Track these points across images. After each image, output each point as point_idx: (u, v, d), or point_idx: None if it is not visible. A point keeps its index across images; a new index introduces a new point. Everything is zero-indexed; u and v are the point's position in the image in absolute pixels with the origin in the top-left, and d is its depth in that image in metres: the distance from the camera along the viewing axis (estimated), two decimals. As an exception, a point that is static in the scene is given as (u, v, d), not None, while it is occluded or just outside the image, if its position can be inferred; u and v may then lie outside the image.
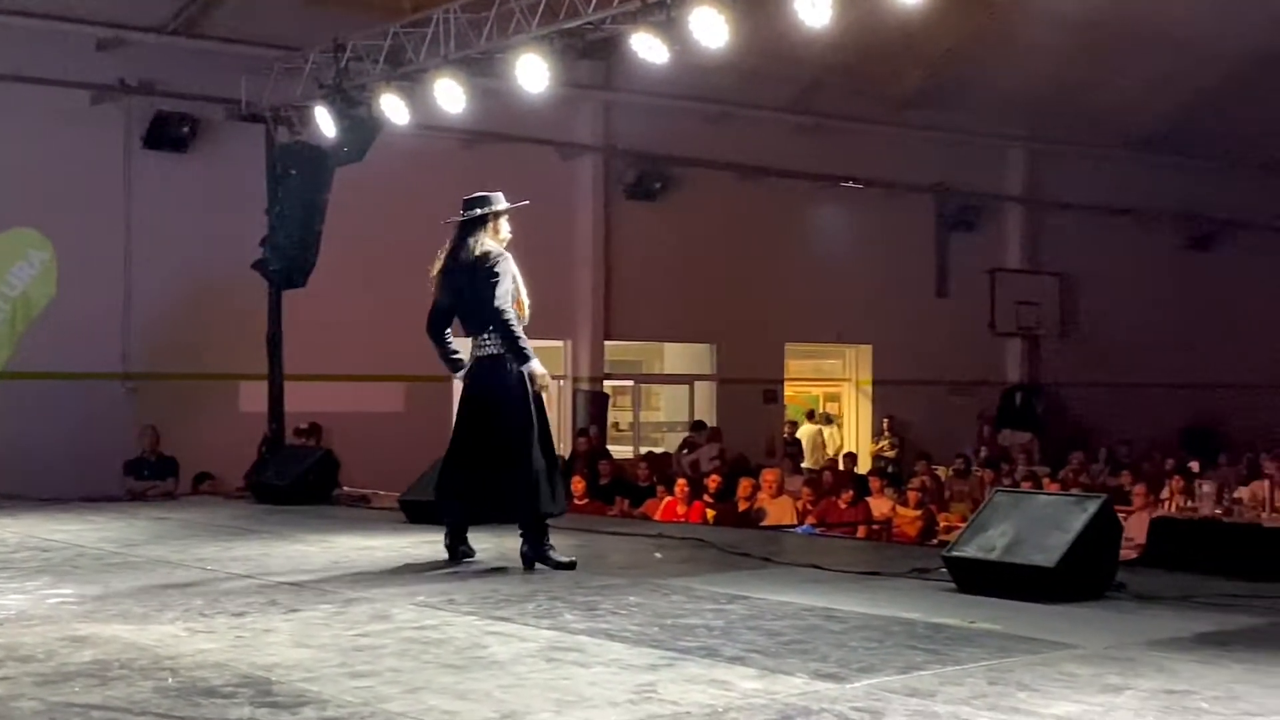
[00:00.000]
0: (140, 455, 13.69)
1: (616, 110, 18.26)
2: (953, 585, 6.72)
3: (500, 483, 7.43)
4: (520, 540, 7.50)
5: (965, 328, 21.05)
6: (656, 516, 13.03)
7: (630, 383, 19.69)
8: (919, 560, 7.62)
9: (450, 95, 11.90)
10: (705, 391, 19.63)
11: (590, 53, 14.66)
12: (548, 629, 5.75)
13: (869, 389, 21.14)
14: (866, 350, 21.04)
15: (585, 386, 18.26)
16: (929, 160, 20.67)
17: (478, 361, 7.58)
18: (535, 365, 7.49)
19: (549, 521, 7.57)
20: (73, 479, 12.64)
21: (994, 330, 21.61)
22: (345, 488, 12.28)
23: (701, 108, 18.30)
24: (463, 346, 7.83)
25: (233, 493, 12.98)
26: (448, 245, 7.72)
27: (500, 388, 7.46)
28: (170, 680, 4.74)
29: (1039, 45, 18.39)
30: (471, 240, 7.57)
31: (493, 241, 7.61)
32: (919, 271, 21.04)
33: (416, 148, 15.05)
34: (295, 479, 11.60)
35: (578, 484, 13.97)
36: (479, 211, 7.68)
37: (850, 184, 19.95)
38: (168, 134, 14.90)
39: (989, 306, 21.56)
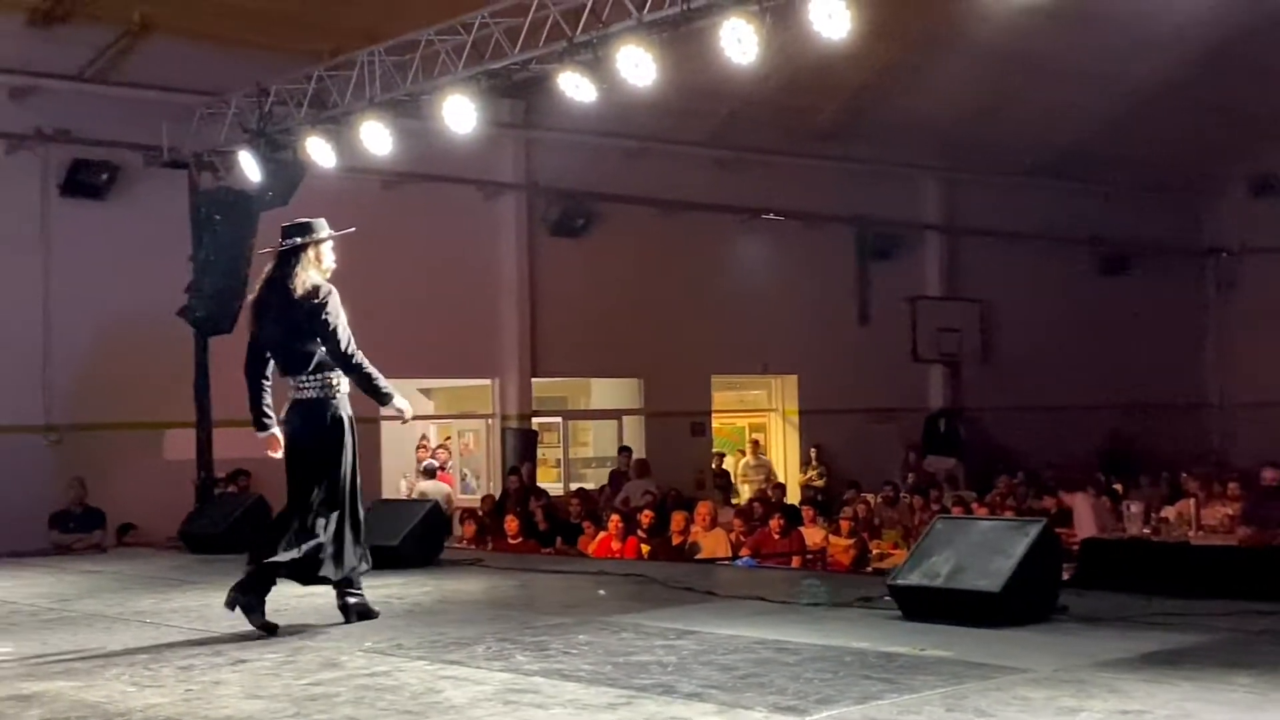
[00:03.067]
0: (66, 508, 13.43)
1: (538, 148, 18.31)
2: (898, 613, 6.79)
3: (308, 536, 6.91)
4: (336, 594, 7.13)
5: (888, 355, 21.30)
6: (591, 553, 13.01)
7: (558, 419, 19.68)
8: (859, 589, 7.69)
9: (376, 138, 11.90)
10: (634, 426, 19.67)
11: (513, 92, 14.73)
12: (501, 671, 5.73)
13: (795, 419, 21.31)
14: (792, 380, 21.21)
15: (514, 424, 18.20)
16: (847, 191, 20.95)
17: (295, 405, 7.02)
18: (400, 401, 7.13)
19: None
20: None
21: (916, 357, 21.87)
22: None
23: (622, 144, 18.42)
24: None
25: (163, 543, 12.75)
26: (264, 275, 7.10)
27: (319, 433, 6.93)
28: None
29: (950, 77, 18.76)
30: (293, 271, 6.92)
31: (317, 274, 6.99)
32: (841, 301, 21.28)
33: (339, 189, 14.90)
34: (228, 527, 11.43)
35: (511, 523, 13.93)
36: (299, 240, 7.02)
37: (770, 216, 20.16)
38: (86, 181, 14.68)
39: (910, 334, 21.83)
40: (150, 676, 5.84)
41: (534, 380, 18.44)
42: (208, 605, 8.16)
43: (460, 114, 11.15)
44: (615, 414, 19.79)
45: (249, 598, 6.79)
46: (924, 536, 7.15)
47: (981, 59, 18.21)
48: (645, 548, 13.05)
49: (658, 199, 19.06)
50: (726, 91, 17.07)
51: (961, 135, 20.73)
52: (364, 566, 7.15)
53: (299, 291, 6.85)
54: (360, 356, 6.92)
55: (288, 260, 6.97)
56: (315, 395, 6.95)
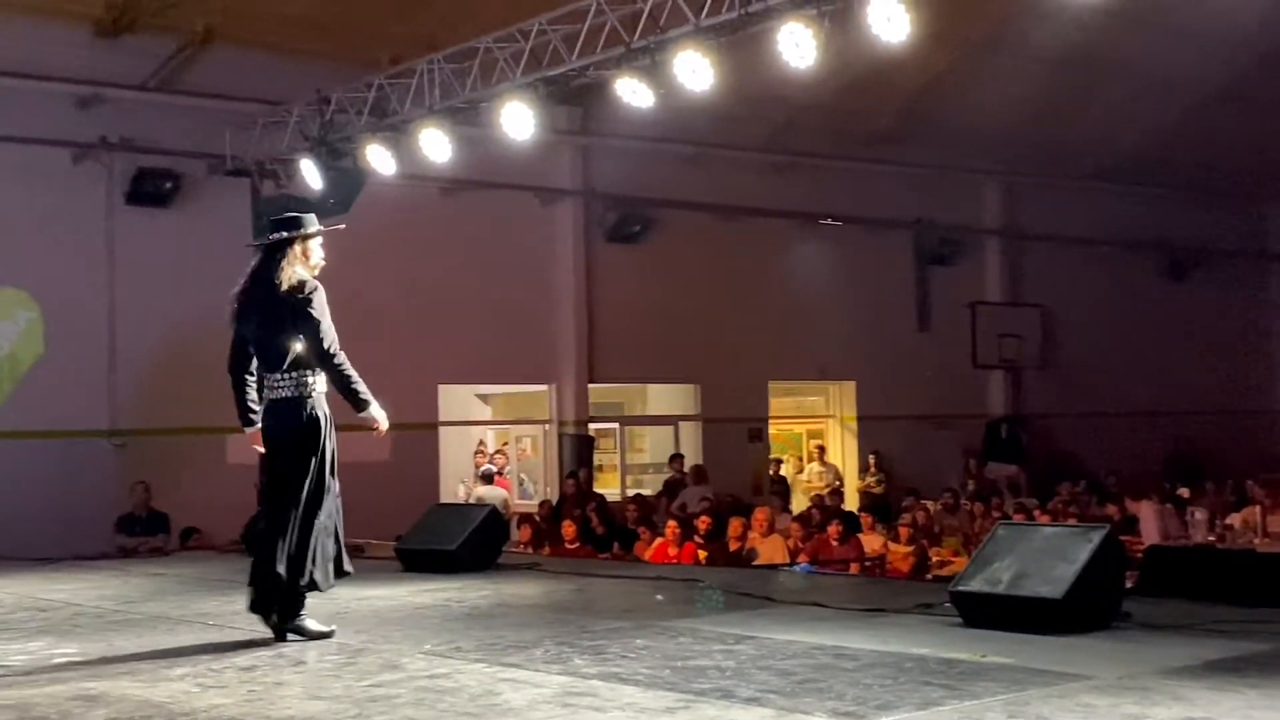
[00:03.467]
0: (131, 511, 13.62)
1: (595, 154, 18.36)
2: (959, 620, 6.74)
3: (270, 541, 6.67)
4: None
5: (947, 361, 21.15)
6: (647, 558, 13.01)
7: (615, 425, 19.70)
8: (918, 596, 7.65)
9: (435, 145, 11.99)
10: (690, 432, 19.65)
11: (570, 98, 14.79)
12: (559, 674, 5.74)
13: (853, 425, 21.20)
14: (850, 386, 21.10)
15: (571, 430, 18.25)
16: (906, 195, 20.83)
17: (272, 404, 6.77)
18: (376, 410, 6.83)
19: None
20: (62, 538, 12.55)
21: (976, 363, 21.71)
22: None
23: (679, 149, 18.42)
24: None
25: (225, 546, 12.89)
26: (249, 269, 6.86)
27: (291, 433, 6.70)
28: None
29: (1011, 79, 18.59)
30: (279, 266, 6.68)
31: (304, 269, 6.76)
32: (900, 306, 21.16)
33: (399, 196, 15.10)
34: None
35: (568, 528, 13.98)
36: (285, 234, 6.80)
37: (828, 221, 20.08)
38: (150, 190, 14.89)
39: (970, 340, 21.67)
40: (214, 677, 5.89)
41: (591, 386, 18.47)
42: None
43: (518, 120, 11.22)
44: (672, 420, 19.79)
45: (287, 618, 6.70)
46: (986, 543, 7.09)
47: (1042, 61, 18.04)
48: (702, 553, 13.04)
49: (714, 204, 19.04)
50: (783, 96, 17.00)
51: (1022, 138, 20.54)
52: (327, 582, 6.77)
53: (284, 286, 6.63)
54: (342, 357, 6.71)
55: (273, 254, 6.75)
56: (290, 394, 6.70)
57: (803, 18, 9.06)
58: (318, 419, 6.74)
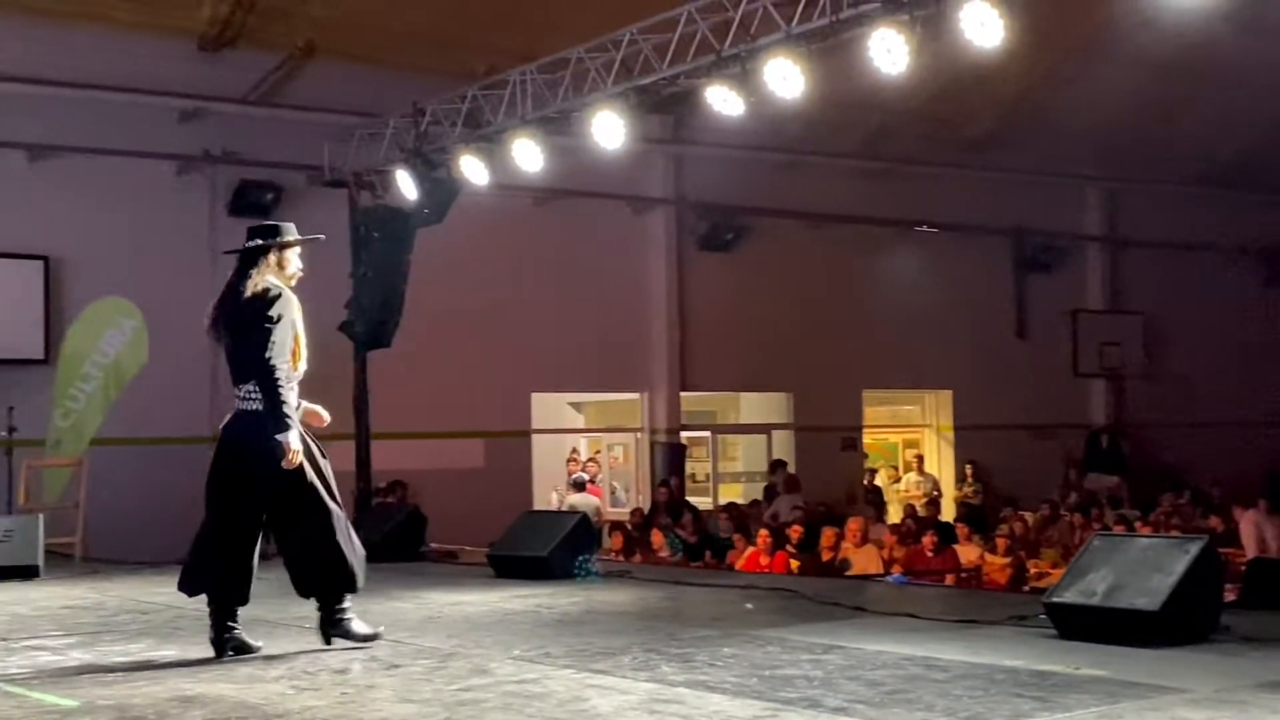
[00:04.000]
0: (232, 517, 13.84)
1: (687, 162, 18.38)
2: (1053, 631, 6.64)
3: (294, 555, 6.62)
4: (317, 612, 6.76)
5: (1047, 370, 20.87)
6: (739, 568, 12.98)
7: (707, 434, 19.68)
8: (1013, 607, 7.55)
9: (528, 155, 12.07)
10: (783, 440, 19.57)
11: (662, 107, 14.82)
12: (646, 681, 5.75)
13: (950, 434, 20.97)
14: (946, 395, 20.89)
15: (663, 438, 18.28)
16: (1004, 202, 20.59)
17: (238, 415, 6.52)
18: (290, 437, 6.33)
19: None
20: (166, 542, 12.79)
21: (1077, 372, 21.38)
22: (433, 544, 12.38)
23: (771, 157, 18.37)
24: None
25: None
26: (228, 279, 6.66)
27: (262, 448, 6.38)
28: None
29: (1112, 84, 18.29)
30: (251, 274, 6.49)
31: (275, 278, 6.52)
32: (997, 314, 20.91)
33: (492, 206, 15.23)
34: (384, 536, 11.69)
35: (656, 537, 13.99)
36: (260, 242, 6.57)
37: (924, 228, 19.91)
38: (252, 201, 15.19)
39: (1070, 348, 21.35)
40: (307, 679, 5.99)
41: (683, 394, 18.49)
42: (365, 612, 8.31)
43: (609, 130, 11.26)
44: (764, 428, 19.72)
45: (232, 638, 6.59)
46: (1081, 553, 6.98)
47: (1143, 65, 17.72)
48: (794, 563, 12.98)
49: (808, 212, 18.97)
50: (878, 102, 16.91)
51: (1124, 143, 20.20)
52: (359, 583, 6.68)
53: (247, 294, 6.44)
54: (280, 371, 6.32)
55: (249, 262, 6.55)
56: (257, 407, 6.42)
57: (894, 24, 8.99)
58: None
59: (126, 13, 14.42)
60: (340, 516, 6.64)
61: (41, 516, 11.15)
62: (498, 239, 16.43)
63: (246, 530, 6.65)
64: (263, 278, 6.47)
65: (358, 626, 6.73)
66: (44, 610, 8.67)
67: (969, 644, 6.52)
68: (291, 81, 15.53)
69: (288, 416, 6.35)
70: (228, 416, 6.63)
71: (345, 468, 14.24)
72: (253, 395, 6.44)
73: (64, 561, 11.97)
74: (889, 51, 9.05)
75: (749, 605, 8.31)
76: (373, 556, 11.32)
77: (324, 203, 14.87)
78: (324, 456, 6.74)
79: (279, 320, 6.37)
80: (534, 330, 17.00)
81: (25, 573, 10.44)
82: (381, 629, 6.88)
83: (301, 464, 6.45)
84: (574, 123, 11.64)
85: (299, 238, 6.74)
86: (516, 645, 6.79)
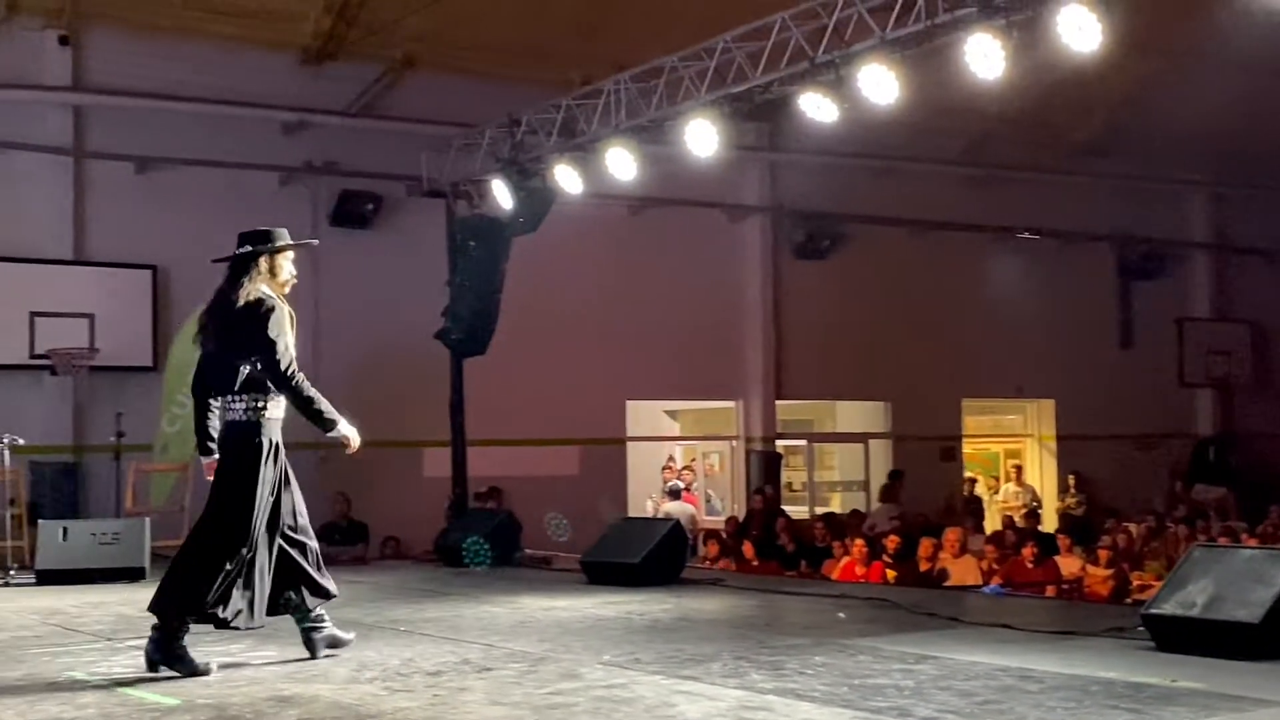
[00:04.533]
0: (332, 521, 14.10)
1: (783, 170, 18.34)
2: (1151, 644, 6.52)
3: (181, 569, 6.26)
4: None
5: (1152, 379, 20.49)
6: (835, 578, 12.89)
7: (803, 442, 19.59)
8: (1112, 619, 7.42)
9: (622, 163, 12.12)
10: (880, 450, 19.42)
11: (756, 115, 14.78)
12: (735, 688, 5.74)
13: (1052, 444, 20.66)
14: (1049, 405, 20.59)
15: (758, 447, 18.23)
16: (1107, 208, 20.27)
17: (228, 426, 6.33)
18: (346, 428, 6.39)
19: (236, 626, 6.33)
20: (268, 546, 13.05)
21: (1183, 381, 20.96)
22: (527, 550, 12.47)
23: (868, 164, 18.26)
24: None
25: (421, 555, 13.27)
26: (219, 287, 6.45)
27: (238, 461, 6.25)
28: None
29: (1218, 88, 17.88)
30: (243, 282, 6.30)
31: (266, 286, 6.34)
32: (1101, 322, 20.58)
33: (587, 215, 15.33)
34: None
35: (747, 547, 13.95)
36: (250, 248, 6.38)
37: (1025, 235, 19.65)
38: (353, 211, 15.46)
39: (1176, 357, 20.93)
40: (402, 682, 6.07)
41: (779, 403, 18.42)
42: (459, 616, 8.47)
43: (703, 138, 11.27)
44: (861, 437, 19.58)
45: (169, 653, 6.18)
46: (1180, 564, 6.85)
47: (1250, 68, 17.32)
48: (891, 573, 12.86)
49: (906, 219, 18.83)
50: (978, 108, 16.73)
51: (1232, 148, 19.76)
52: (242, 620, 6.27)
53: (239, 303, 6.24)
54: (300, 377, 6.25)
55: (239, 270, 6.36)
56: (240, 418, 6.27)
57: (990, 28, 8.90)
58: (261, 445, 6.25)
59: (232, 27, 14.77)
60: (243, 555, 6.23)
61: (148, 520, 11.40)
62: (593, 247, 16.53)
63: (224, 543, 6.26)
64: (255, 286, 6.28)
65: (193, 660, 6.22)
66: (148, 612, 8.84)
67: (1065, 655, 6.42)
68: (391, 93, 15.78)
69: (329, 412, 6.34)
70: (219, 432, 6.41)
71: (441, 473, 14.54)
72: (233, 405, 6.30)
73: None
74: (985, 57, 8.95)
75: (842, 614, 8.26)
76: (467, 561, 11.60)
77: (422, 212, 15.10)
78: (289, 488, 6.47)
79: (277, 329, 6.23)
80: (629, 338, 17.06)
81: (132, 574, 10.70)
82: (212, 665, 6.28)
83: (255, 487, 6.22)
84: (667, 131, 11.67)
85: (290, 243, 6.56)
86: (607, 651, 6.82)
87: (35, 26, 14.27)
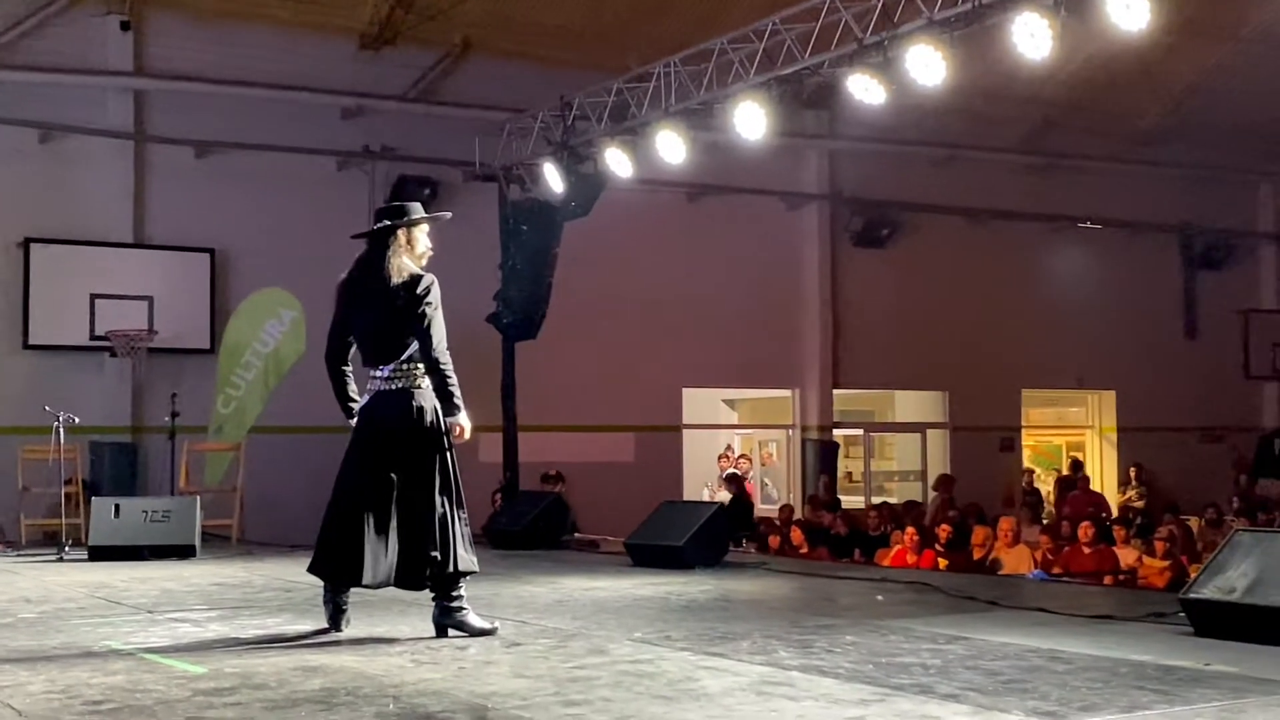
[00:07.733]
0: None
1: (841, 158, 18.23)
2: (1190, 629, 6.41)
3: (408, 537, 6.54)
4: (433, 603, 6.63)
5: (1217, 371, 20.15)
6: (886, 565, 12.79)
7: (860, 432, 19.47)
8: (1156, 605, 7.29)
9: (671, 146, 12.10)
10: (938, 440, 19.26)
11: (813, 101, 14.72)
12: (760, 664, 5.72)
13: (1114, 436, 20.38)
14: (1110, 396, 20.32)
15: (814, 436, 18.14)
16: (1172, 198, 19.96)
17: (381, 395, 6.53)
18: (464, 417, 6.48)
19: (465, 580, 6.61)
20: (317, 526, 13.17)
21: (1249, 374, 20.58)
22: (577, 533, 12.49)
23: (928, 152, 18.11)
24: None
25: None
26: (358, 257, 6.61)
27: (413, 425, 6.47)
28: (391, 706, 4.90)
29: (1285, 75, 17.56)
30: (388, 256, 6.43)
31: (410, 259, 6.49)
32: (1164, 313, 20.27)
33: (643, 201, 15.34)
34: (527, 524, 11.86)
35: (795, 533, 13.88)
36: (389, 222, 6.52)
37: (1087, 224, 19.38)
38: (410, 195, 15.44)
39: (1242, 349, 20.56)
40: (429, 655, 6.09)
41: (836, 392, 18.32)
42: (497, 594, 8.48)
43: (752, 120, 11.22)
44: (919, 427, 19.43)
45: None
46: (1220, 548, 6.72)
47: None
48: (943, 562, 12.75)
49: (966, 208, 18.64)
50: (1041, 96, 16.56)
51: (1301, 136, 19.38)
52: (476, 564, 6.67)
53: (394, 278, 6.38)
54: (447, 359, 6.43)
55: (380, 244, 6.49)
56: (403, 385, 6.48)
57: (1037, 7, 8.78)
58: (436, 411, 6.50)
59: (290, 13, 14.93)
60: (448, 513, 6.58)
61: (199, 499, 11.56)
62: (651, 233, 16.53)
63: (375, 510, 6.57)
64: (400, 260, 6.43)
65: (473, 620, 6.61)
66: (194, 587, 8.98)
67: (1098, 638, 6.32)
68: (448, 78, 15.87)
69: (458, 399, 6.48)
70: (366, 397, 6.62)
71: (493, 458, 14.60)
72: (394, 376, 6.48)
73: (221, 543, 12.42)
74: (1032, 36, 8.84)
75: (880, 597, 8.20)
76: (514, 544, 11.65)
77: (477, 196, 15.15)
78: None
79: (435, 311, 6.40)
80: (685, 325, 17.04)
81: (183, 552, 10.86)
82: (497, 625, 6.69)
83: (446, 449, 6.54)
84: (717, 114, 11.64)
85: (425, 215, 6.70)
86: (639, 628, 6.80)
87: (97, 12, 14.52)
